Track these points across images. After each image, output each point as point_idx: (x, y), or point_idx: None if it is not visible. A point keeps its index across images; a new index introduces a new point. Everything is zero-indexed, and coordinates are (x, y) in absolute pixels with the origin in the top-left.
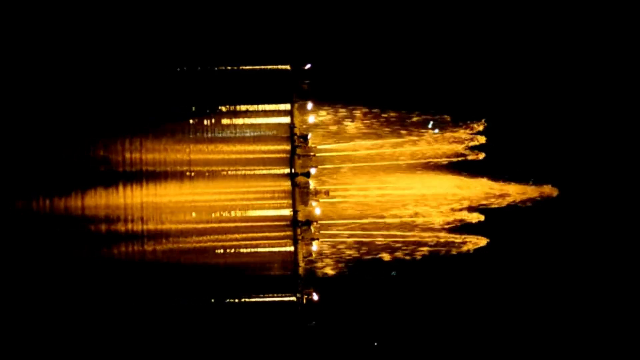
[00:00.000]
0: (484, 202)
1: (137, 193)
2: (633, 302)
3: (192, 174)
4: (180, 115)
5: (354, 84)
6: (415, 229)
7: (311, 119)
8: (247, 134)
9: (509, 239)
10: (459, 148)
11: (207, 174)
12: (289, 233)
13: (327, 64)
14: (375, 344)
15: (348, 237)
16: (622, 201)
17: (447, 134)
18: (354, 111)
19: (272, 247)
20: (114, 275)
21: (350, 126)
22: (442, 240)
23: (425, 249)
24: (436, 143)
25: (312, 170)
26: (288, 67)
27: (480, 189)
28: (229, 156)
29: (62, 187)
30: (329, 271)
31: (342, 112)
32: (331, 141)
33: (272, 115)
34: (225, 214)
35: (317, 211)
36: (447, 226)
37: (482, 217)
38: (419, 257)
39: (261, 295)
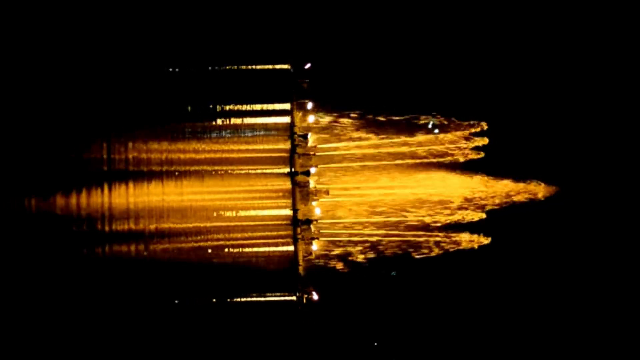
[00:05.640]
0: (485, 201)
1: (136, 193)
2: (633, 302)
3: (191, 173)
4: (179, 115)
5: (354, 83)
6: (415, 228)
7: (311, 118)
8: (247, 133)
9: (509, 239)
10: (459, 148)
11: (206, 173)
12: (288, 232)
13: (327, 63)
14: (375, 344)
15: (348, 237)
16: (623, 201)
17: (447, 134)
18: (354, 110)
19: (272, 246)
20: (113, 275)
21: (351, 125)
22: (442, 239)
23: (425, 248)
24: (436, 143)
25: (312, 170)
26: (288, 66)
27: (481, 188)
28: (228, 155)
29: (60, 187)
30: (329, 271)
31: (343, 111)
32: (331, 140)
33: (272, 115)
34: (225, 213)
35: (317, 210)
36: (447, 225)
37: (483, 216)
38: (419, 257)
39: (260, 295)
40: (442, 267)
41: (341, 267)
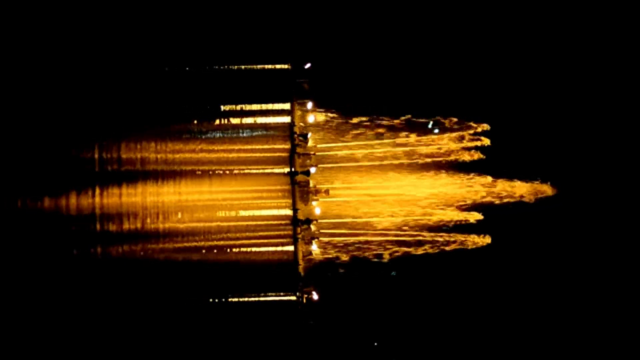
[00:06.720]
0: (484, 201)
1: (136, 192)
2: (633, 302)
3: (192, 173)
4: (179, 115)
5: (354, 83)
6: (415, 228)
7: (311, 118)
8: (247, 133)
9: (509, 239)
10: (459, 148)
11: (206, 173)
12: (288, 232)
13: (327, 63)
14: (375, 344)
15: (348, 236)
16: (622, 201)
17: (447, 134)
18: (354, 110)
19: (272, 246)
20: (113, 275)
21: (350, 125)
22: (442, 239)
23: (425, 248)
24: (436, 143)
25: (312, 169)
26: (288, 66)
27: (481, 188)
28: (229, 155)
29: (61, 187)
30: (329, 270)
31: (342, 111)
32: (331, 140)
33: (272, 115)
34: (225, 213)
35: (317, 210)
36: (447, 225)
37: (482, 217)
38: (419, 257)
39: (261, 295)
40: (442, 267)
41: (341, 266)
